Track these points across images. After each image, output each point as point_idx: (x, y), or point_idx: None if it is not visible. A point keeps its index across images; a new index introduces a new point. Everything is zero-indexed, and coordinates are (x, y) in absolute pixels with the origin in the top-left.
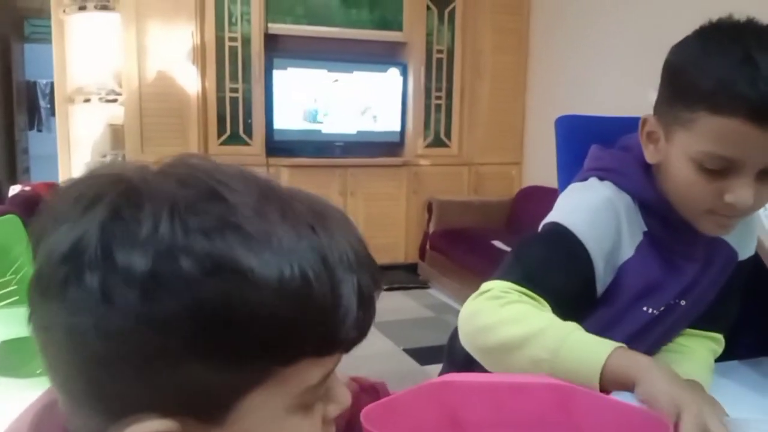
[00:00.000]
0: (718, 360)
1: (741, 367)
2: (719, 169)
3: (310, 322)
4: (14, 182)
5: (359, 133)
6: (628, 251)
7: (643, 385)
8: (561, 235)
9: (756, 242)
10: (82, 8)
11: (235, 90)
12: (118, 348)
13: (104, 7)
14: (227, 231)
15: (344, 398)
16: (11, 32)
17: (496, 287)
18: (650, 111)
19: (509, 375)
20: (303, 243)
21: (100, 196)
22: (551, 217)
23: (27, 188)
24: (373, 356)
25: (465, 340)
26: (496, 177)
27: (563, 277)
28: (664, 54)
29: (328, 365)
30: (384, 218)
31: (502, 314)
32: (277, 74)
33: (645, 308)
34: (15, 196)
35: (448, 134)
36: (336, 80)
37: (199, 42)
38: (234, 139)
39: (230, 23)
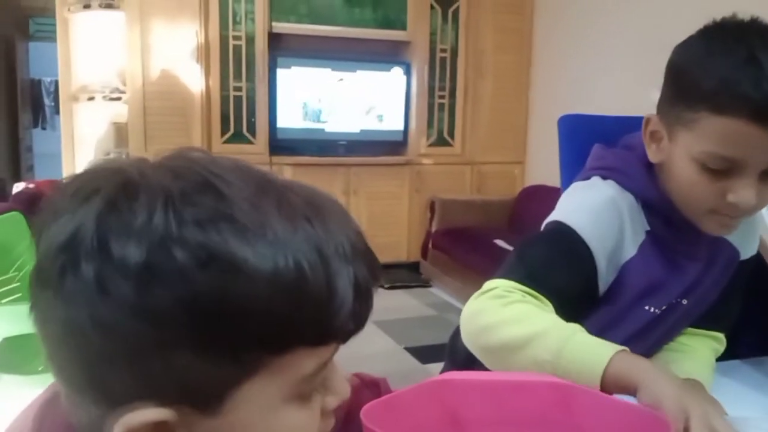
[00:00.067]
0: (720, 359)
1: (742, 366)
2: (722, 169)
3: (305, 313)
4: (18, 180)
5: (362, 132)
6: (630, 250)
7: (646, 389)
8: (564, 234)
9: (758, 242)
10: (87, 7)
11: (239, 89)
12: (113, 339)
13: (109, 6)
14: (222, 222)
15: (343, 390)
16: (16, 30)
17: (498, 286)
18: (653, 110)
19: (510, 373)
20: (298, 234)
21: (98, 188)
22: (554, 216)
23: (31, 186)
24: (375, 354)
25: (467, 340)
26: (499, 176)
27: (566, 276)
28: (667, 53)
29: (323, 355)
30: (387, 217)
31: (505, 314)
32: (280, 73)
33: (647, 307)
34: (19, 193)
35: (451, 133)
36: (340, 79)
37: (203, 41)
38: (237, 137)
39: (234, 22)
